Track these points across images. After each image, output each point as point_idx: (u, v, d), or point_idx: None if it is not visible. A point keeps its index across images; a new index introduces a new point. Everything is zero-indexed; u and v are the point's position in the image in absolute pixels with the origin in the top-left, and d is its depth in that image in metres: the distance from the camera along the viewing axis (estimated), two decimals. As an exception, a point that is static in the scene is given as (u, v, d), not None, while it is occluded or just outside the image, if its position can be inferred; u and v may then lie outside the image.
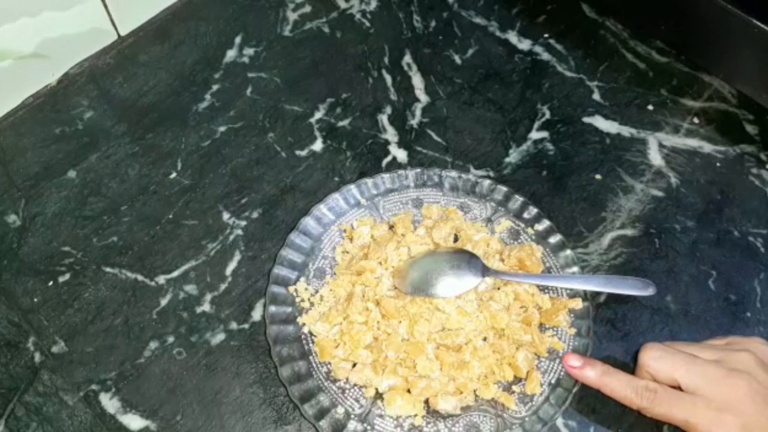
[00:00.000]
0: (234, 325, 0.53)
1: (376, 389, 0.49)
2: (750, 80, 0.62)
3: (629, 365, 0.50)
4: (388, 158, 0.61)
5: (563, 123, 0.63)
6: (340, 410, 0.48)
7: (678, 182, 0.60)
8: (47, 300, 0.54)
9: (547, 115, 0.63)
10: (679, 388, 0.44)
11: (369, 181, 0.58)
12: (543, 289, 0.53)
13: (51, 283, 0.54)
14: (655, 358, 0.45)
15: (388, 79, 0.66)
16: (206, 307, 0.54)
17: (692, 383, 0.44)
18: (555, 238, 0.55)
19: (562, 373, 0.49)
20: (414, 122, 0.63)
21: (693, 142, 0.62)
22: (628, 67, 0.66)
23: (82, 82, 0.65)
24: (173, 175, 0.60)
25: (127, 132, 0.62)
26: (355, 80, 0.66)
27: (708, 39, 0.62)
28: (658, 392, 0.44)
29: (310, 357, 0.50)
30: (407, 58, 0.67)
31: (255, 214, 0.58)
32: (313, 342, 0.51)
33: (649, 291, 0.50)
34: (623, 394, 0.45)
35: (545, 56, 0.67)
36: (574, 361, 0.47)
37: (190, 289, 0.54)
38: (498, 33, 0.69)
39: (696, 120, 0.63)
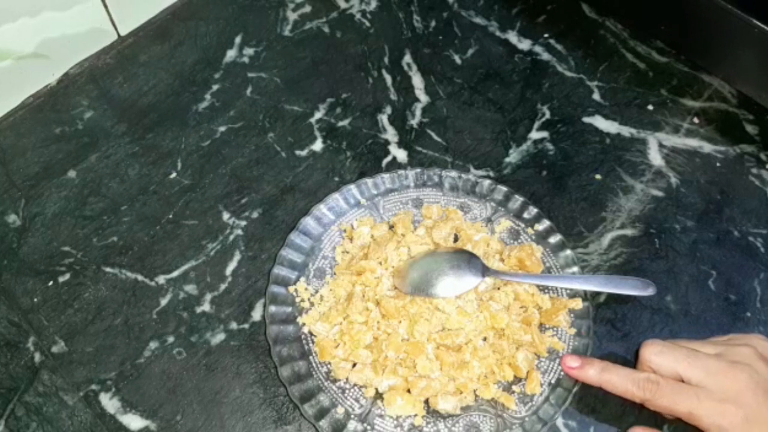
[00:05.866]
0: (234, 325, 0.53)
1: (376, 389, 0.49)
2: (750, 80, 0.62)
3: (630, 364, 0.50)
4: (388, 158, 0.61)
5: (563, 123, 0.63)
6: (340, 410, 0.48)
7: (678, 182, 0.60)
8: (47, 300, 0.54)
9: (547, 115, 0.63)
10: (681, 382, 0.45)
11: (369, 181, 0.58)
12: (543, 289, 0.53)
13: (51, 283, 0.54)
14: (657, 353, 0.45)
15: (388, 79, 0.66)
16: (206, 307, 0.54)
17: (694, 376, 0.44)
18: (555, 238, 0.55)
19: (562, 373, 0.49)
20: (414, 122, 0.63)
21: (693, 142, 0.62)
22: (628, 67, 0.66)
23: (82, 82, 0.65)
24: (173, 175, 0.60)
25: (127, 132, 0.62)
26: (355, 80, 0.66)
27: (708, 39, 0.62)
28: (660, 384, 0.44)
29: (310, 357, 0.50)
30: (407, 58, 0.67)
31: (255, 214, 0.58)
32: (313, 342, 0.51)
33: (649, 291, 0.50)
34: (625, 388, 0.45)
35: (545, 56, 0.67)
36: (572, 362, 0.47)
37: (190, 289, 0.54)
38: (498, 33, 0.69)
39: (696, 120, 0.63)
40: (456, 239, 0.55)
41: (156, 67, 0.66)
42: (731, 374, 0.43)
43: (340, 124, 0.63)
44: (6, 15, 0.57)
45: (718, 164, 0.60)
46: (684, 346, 0.46)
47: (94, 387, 0.50)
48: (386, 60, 0.67)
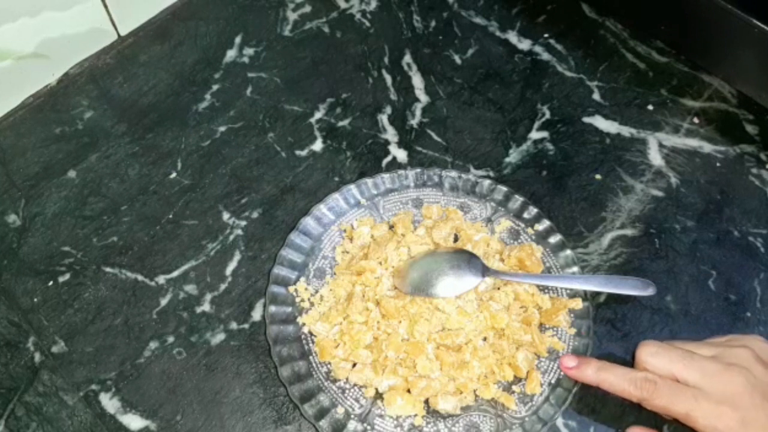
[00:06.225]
0: (234, 325, 0.53)
1: (376, 389, 0.49)
2: (750, 80, 0.62)
3: (629, 364, 0.50)
4: (388, 158, 0.61)
5: (563, 123, 0.63)
6: (340, 410, 0.48)
7: (678, 182, 0.60)
8: (47, 300, 0.54)
9: (547, 115, 0.63)
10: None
11: (369, 181, 0.58)
12: (543, 289, 0.53)
13: (51, 283, 0.54)
14: (652, 354, 0.45)
15: (388, 79, 0.66)
16: (206, 307, 0.54)
17: (690, 378, 0.44)
18: (555, 238, 0.55)
19: (562, 373, 0.49)
20: (414, 122, 0.63)
21: (693, 142, 0.62)
22: (628, 67, 0.66)
23: (82, 82, 0.65)
24: (173, 175, 0.60)
25: (127, 132, 0.62)
26: (355, 80, 0.66)
27: (708, 39, 0.62)
28: (658, 384, 0.44)
29: (310, 357, 0.50)
30: (407, 58, 0.67)
31: (255, 214, 0.58)
32: (313, 342, 0.51)
33: (649, 291, 0.50)
34: (622, 387, 0.45)
35: (545, 56, 0.67)
36: (569, 362, 0.47)
37: (190, 289, 0.54)
38: (498, 33, 0.69)
39: (696, 120, 0.63)
40: (456, 239, 0.55)
41: (156, 67, 0.66)
42: (727, 376, 0.43)
43: (340, 124, 0.63)
44: (6, 15, 0.57)
45: (718, 164, 0.60)
46: (680, 348, 0.46)
47: (94, 387, 0.50)
48: (386, 60, 0.67)
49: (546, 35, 0.68)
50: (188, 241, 0.56)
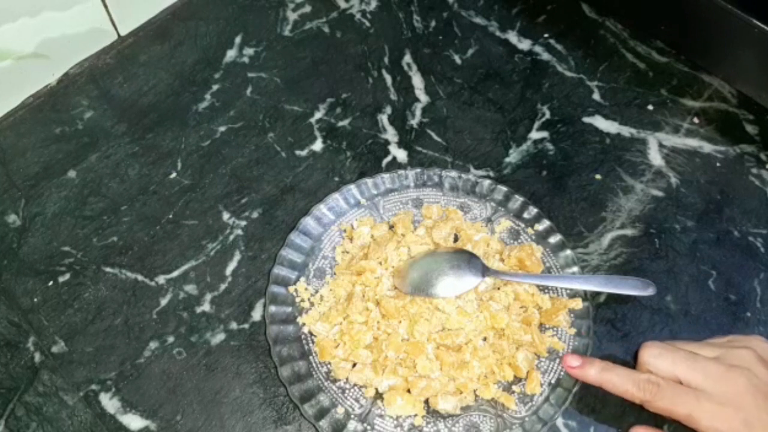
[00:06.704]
0: (234, 325, 0.53)
1: (376, 389, 0.49)
2: (750, 80, 0.62)
3: (630, 365, 0.50)
4: (388, 158, 0.61)
5: (563, 123, 0.63)
6: (340, 410, 0.48)
7: (678, 182, 0.60)
8: (47, 300, 0.54)
9: (547, 115, 0.63)
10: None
11: (369, 181, 0.58)
12: (543, 289, 0.53)
13: (51, 283, 0.54)
14: (655, 355, 0.45)
15: (388, 79, 0.66)
16: (206, 307, 0.54)
17: (693, 380, 0.44)
18: (555, 238, 0.55)
19: (562, 373, 0.49)
20: (414, 122, 0.63)
21: (693, 142, 0.62)
22: (628, 67, 0.66)
23: (82, 82, 0.65)
24: (173, 175, 0.60)
25: (127, 132, 0.62)
26: (355, 80, 0.66)
27: (708, 39, 0.62)
28: (660, 385, 0.44)
29: (310, 357, 0.50)
30: (407, 58, 0.67)
31: (255, 214, 0.58)
32: (313, 342, 0.51)
33: (649, 291, 0.50)
34: (625, 388, 0.45)
35: (545, 56, 0.67)
36: (572, 362, 0.47)
37: (190, 289, 0.54)
38: (498, 33, 0.69)
39: (696, 120, 0.63)
40: (456, 239, 0.55)
41: (156, 67, 0.66)
42: (730, 378, 0.43)
43: (340, 124, 0.63)
44: (6, 15, 0.57)
45: (718, 164, 0.60)
46: (683, 349, 0.46)
47: (94, 387, 0.50)
48: (386, 60, 0.67)
49: (546, 35, 0.68)
50: (188, 241, 0.56)
